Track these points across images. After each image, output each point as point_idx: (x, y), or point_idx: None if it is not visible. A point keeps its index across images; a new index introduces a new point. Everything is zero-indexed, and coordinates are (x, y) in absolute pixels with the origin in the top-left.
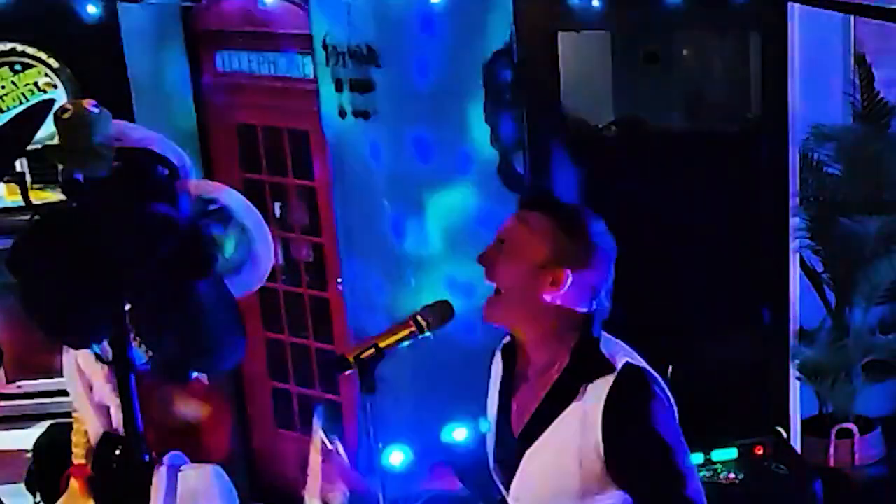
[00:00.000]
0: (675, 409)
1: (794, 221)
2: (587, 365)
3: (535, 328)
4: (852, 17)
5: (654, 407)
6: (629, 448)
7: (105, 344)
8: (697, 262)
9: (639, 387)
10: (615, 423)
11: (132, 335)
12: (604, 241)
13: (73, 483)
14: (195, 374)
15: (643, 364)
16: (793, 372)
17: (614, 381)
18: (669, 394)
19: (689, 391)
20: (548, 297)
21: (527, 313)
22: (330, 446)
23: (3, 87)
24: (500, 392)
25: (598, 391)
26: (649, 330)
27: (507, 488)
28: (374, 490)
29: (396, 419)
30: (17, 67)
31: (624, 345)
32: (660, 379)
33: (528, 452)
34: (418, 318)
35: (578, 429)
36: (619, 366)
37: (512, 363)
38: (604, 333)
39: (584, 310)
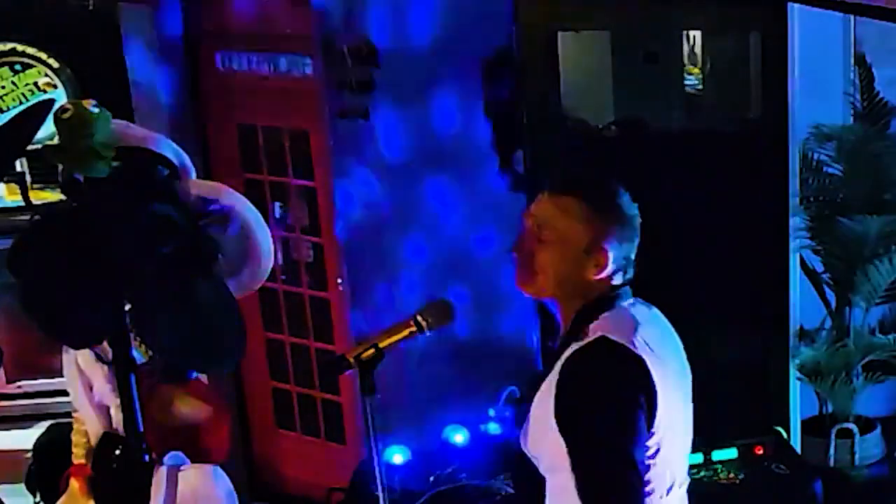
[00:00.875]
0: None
1: (794, 221)
2: (569, 337)
3: (570, 304)
4: (852, 17)
5: (602, 380)
6: (566, 417)
7: (105, 344)
8: (697, 263)
9: (593, 356)
10: (561, 389)
11: (132, 335)
12: (631, 210)
13: (73, 483)
14: (195, 374)
15: (628, 342)
16: (793, 372)
17: (575, 350)
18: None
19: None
20: (593, 278)
21: (568, 292)
22: None
23: (3, 87)
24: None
25: (562, 360)
26: None
27: None
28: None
29: (397, 419)
30: (17, 67)
31: (632, 323)
32: (624, 352)
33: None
34: (418, 317)
35: (546, 397)
36: (590, 337)
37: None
38: (623, 310)
39: (619, 281)
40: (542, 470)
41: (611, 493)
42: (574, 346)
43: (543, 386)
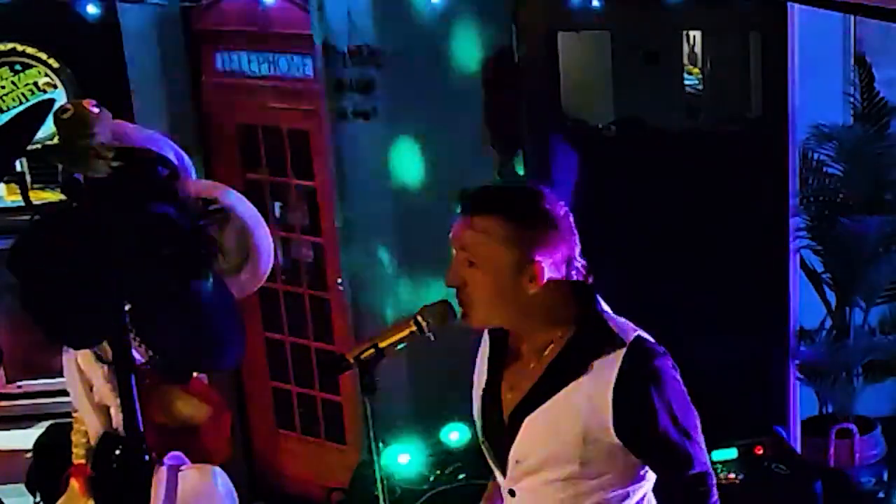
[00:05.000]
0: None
1: (794, 221)
2: (595, 339)
3: (523, 319)
4: (852, 17)
5: (665, 380)
6: (645, 425)
7: (105, 344)
8: (697, 262)
9: (650, 363)
10: (627, 399)
11: (132, 335)
12: (557, 208)
13: (73, 483)
14: (195, 374)
15: (649, 338)
16: (793, 372)
17: (625, 357)
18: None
19: (688, 391)
20: (532, 291)
21: (513, 311)
22: None
23: (4, 87)
24: (490, 370)
25: (607, 367)
26: (648, 329)
27: (497, 463)
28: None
29: (397, 418)
30: (18, 67)
31: (627, 321)
32: (664, 350)
33: (528, 419)
34: (418, 318)
35: (585, 403)
36: (629, 340)
37: (501, 342)
38: (607, 310)
39: (564, 277)
40: (523, 471)
41: (709, 483)
42: (616, 355)
43: (550, 407)
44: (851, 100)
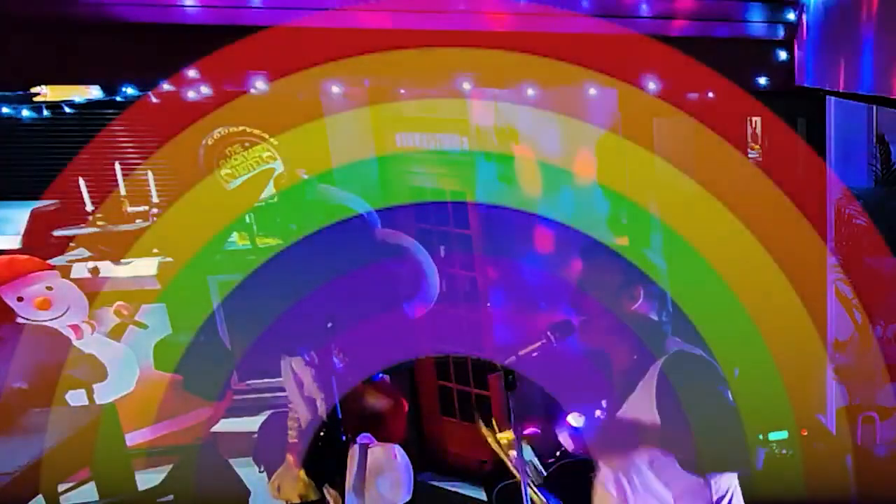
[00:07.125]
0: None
1: (830, 259)
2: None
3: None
4: (874, 108)
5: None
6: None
7: (313, 352)
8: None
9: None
10: (662, 388)
11: (333, 346)
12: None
13: (288, 457)
14: (380, 375)
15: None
16: (829, 373)
17: (664, 361)
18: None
19: (752, 391)
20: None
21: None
22: None
23: (237, 160)
24: None
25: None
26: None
27: None
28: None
29: (530, 408)
30: (246, 144)
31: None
32: (711, 366)
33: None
34: (548, 333)
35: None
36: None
37: None
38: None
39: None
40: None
41: None
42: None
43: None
44: (874, 169)
